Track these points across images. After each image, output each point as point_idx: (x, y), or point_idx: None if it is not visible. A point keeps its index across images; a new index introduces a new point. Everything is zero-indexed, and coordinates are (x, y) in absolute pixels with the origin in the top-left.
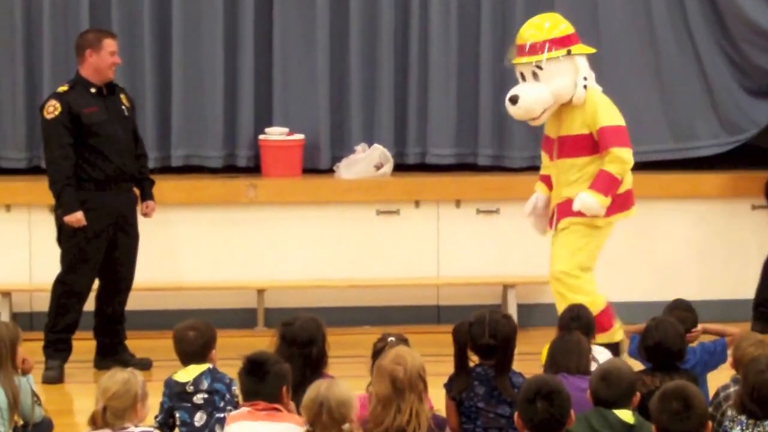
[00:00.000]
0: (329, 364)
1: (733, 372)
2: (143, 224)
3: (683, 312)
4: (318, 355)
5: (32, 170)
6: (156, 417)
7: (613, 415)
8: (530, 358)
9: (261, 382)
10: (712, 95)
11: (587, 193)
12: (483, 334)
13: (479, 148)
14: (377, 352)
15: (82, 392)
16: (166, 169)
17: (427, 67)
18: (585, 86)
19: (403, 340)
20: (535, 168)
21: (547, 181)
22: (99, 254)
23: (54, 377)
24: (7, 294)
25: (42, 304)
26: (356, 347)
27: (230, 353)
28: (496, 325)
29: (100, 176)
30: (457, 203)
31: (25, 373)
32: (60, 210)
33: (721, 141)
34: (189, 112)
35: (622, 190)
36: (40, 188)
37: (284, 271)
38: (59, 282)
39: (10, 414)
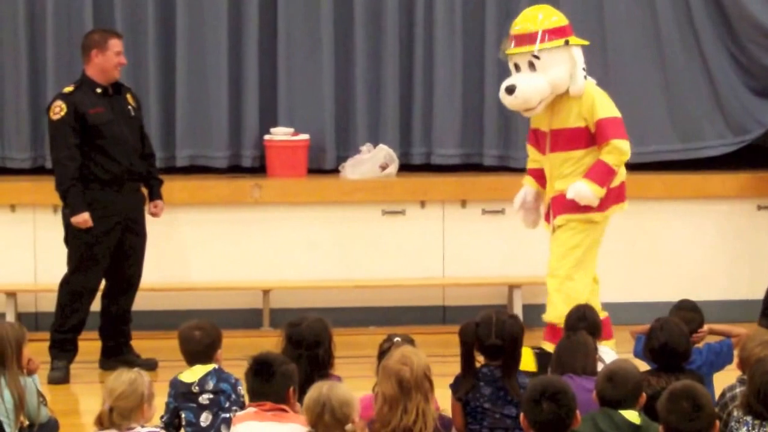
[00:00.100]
0: (335, 364)
1: (739, 372)
2: (148, 224)
3: (689, 312)
4: (324, 356)
5: (37, 170)
6: (161, 417)
7: (619, 416)
8: None
9: (268, 383)
10: (718, 96)
11: (583, 182)
12: (490, 335)
13: (484, 148)
14: (383, 353)
15: (87, 392)
16: (171, 170)
17: (432, 67)
18: (585, 77)
19: (409, 341)
20: None
21: (534, 174)
22: (106, 254)
23: (59, 378)
24: (12, 294)
25: (47, 304)
26: (362, 348)
27: (235, 353)
28: (503, 325)
29: (106, 176)
30: (463, 203)
31: (30, 373)
32: (67, 210)
33: (727, 141)
34: (194, 112)
35: (617, 182)
36: (45, 188)
37: (289, 272)
38: (66, 282)
39: (16, 414)
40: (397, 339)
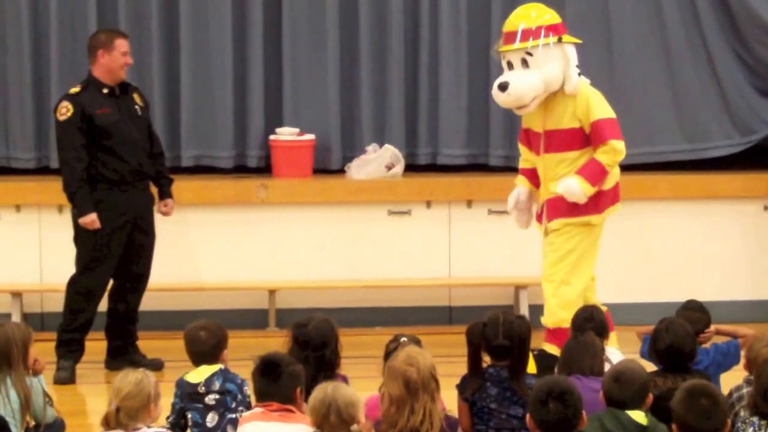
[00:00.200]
0: (341, 364)
1: (745, 373)
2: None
3: (696, 312)
4: (331, 357)
5: (42, 170)
6: (168, 418)
7: (625, 416)
8: None
9: (275, 383)
10: (724, 96)
11: (574, 178)
12: (497, 335)
13: (490, 148)
14: (389, 353)
15: (93, 393)
16: (177, 170)
17: (438, 67)
18: (579, 74)
19: (415, 341)
20: None
21: (527, 174)
22: (115, 254)
23: (65, 378)
24: (17, 294)
25: (53, 304)
26: (368, 348)
27: (242, 354)
28: (510, 326)
29: (114, 176)
30: (469, 203)
31: (36, 373)
32: (75, 211)
33: (734, 142)
34: (199, 112)
35: (611, 183)
36: (50, 188)
37: (295, 272)
38: (74, 282)
39: (22, 415)
40: (403, 339)
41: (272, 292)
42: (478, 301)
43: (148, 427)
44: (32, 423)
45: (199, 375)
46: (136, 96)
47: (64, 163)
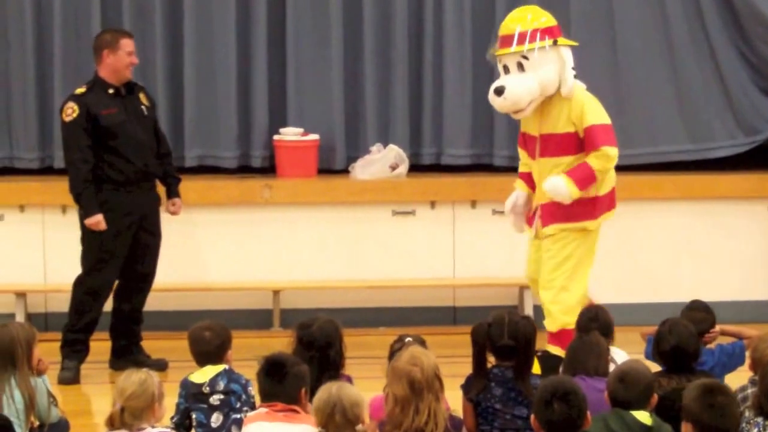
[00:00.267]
0: (345, 365)
1: (750, 374)
2: None
3: (701, 312)
4: (336, 357)
5: (45, 170)
6: (172, 418)
7: (630, 416)
8: None
9: (280, 384)
10: (728, 96)
11: (562, 178)
12: (502, 335)
13: (495, 148)
14: (394, 354)
15: (98, 393)
16: (180, 170)
17: (442, 67)
18: (575, 76)
19: (420, 342)
20: None
21: (526, 178)
22: (120, 255)
23: (69, 378)
24: (22, 294)
25: (57, 304)
26: (372, 348)
27: (246, 354)
28: (516, 326)
29: (120, 177)
30: (473, 204)
31: (40, 373)
32: (81, 212)
33: (738, 142)
34: (203, 112)
35: (607, 189)
36: (54, 188)
37: (300, 272)
38: (80, 282)
39: (26, 415)
40: (408, 339)
41: (276, 293)
42: (483, 302)
43: (153, 427)
44: (36, 423)
45: (203, 375)
46: (142, 96)
47: (69, 164)
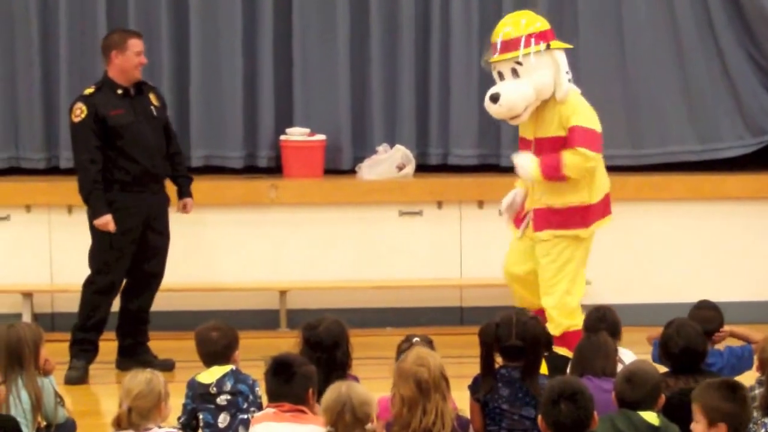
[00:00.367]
0: (352, 365)
1: (757, 374)
2: None
3: (710, 311)
4: (342, 358)
5: (51, 171)
6: (179, 418)
7: (637, 417)
8: None
9: (287, 384)
10: (736, 97)
11: (532, 160)
12: (510, 336)
13: (501, 148)
14: (402, 354)
15: (105, 393)
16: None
17: (449, 67)
18: (569, 80)
19: (427, 342)
20: None
21: None
22: (127, 255)
23: (76, 377)
24: (28, 295)
25: (63, 304)
26: (379, 348)
27: (253, 354)
28: (524, 326)
29: (126, 178)
30: (480, 204)
31: (47, 374)
32: (89, 213)
33: (746, 142)
34: (208, 112)
35: (600, 196)
36: (60, 189)
37: (306, 272)
38: (89, 282)
39: (33, 415)
40: (416, 339)
41: (283, 293)
42: (490, 302)
43: (159, 427)
44: (43, 423)
45: (210, 376)
46: (152, 96)
47: (78, 165)
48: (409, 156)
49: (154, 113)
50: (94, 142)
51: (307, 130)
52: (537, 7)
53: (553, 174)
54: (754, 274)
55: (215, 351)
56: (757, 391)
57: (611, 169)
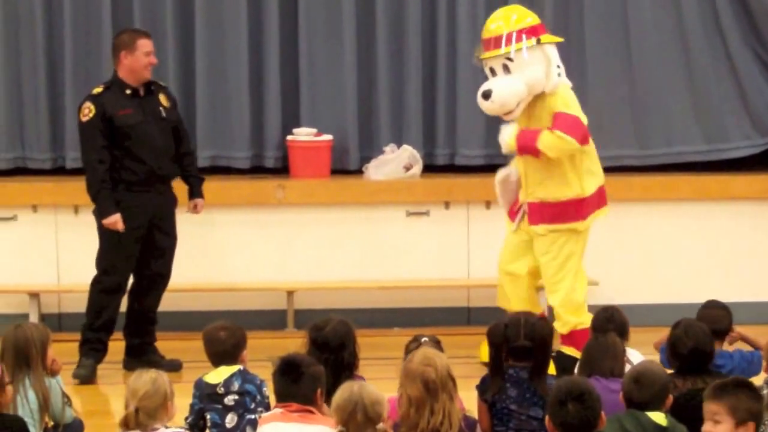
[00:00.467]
0: (359, 365)
1: (765, 375)
2: None
3: (719, 310)
4: (349, 359)
5: (58, 171)
6: (186, 418)
7: (645, 417)
8: None
9: (295, 384)
10: (743, 96)
11: (513, 131)
12: (518, 336)
13: None
14: (410, 354)
15: (113, 393)
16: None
17: (456, 67)
18: (558, 74)
19: (435, 342)
20: None
21: None
22: (132, 254)
23: (84, 375)
24: (35, 295)
25: (70, 305)
26: (386, 349)
27: (260, 355)
28: (532, 327)
29: (132, 178)
30: (487, 204)
31: (54, 374)
32: (97, 212)
33: (753, 142)
34: (215, 112)
35: (592, 188)
36: (66, 189)
37: (314, 273)
38: (96, 282)
39: (40, 415)
40: (425, 339)
41: (290, 293)
42: (497, 302)
43: (166, 427)
44: (51, 423)
45: (218, 376)
46: (162, 96)
47: (86, 164)
48: (416, 156)
49: (163, 114)
50: (101, 141)
51: (314, 131)
52: (543, 8)
53: (526, 144)
54: (761, 274)
55: (223, 351)
56: (765, 392)
57: (618, 169)
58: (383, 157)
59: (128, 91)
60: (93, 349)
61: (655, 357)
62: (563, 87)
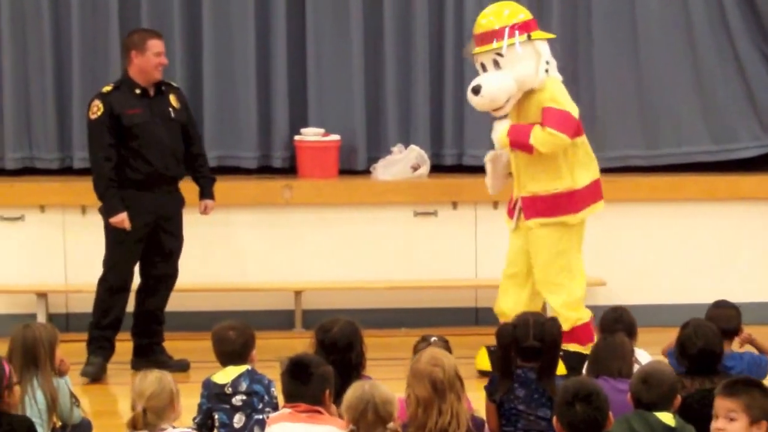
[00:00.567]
0: (367, 366)
1: None
2: None
3: (729, 310)
4: (357, 360)
5: (65, 171)
6: (194, 418)
7: (653, 418)
8: None
9: (304, 385)
10: (751, 97)
11: (506, 126)
12: (527, 336)
13: None
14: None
15: (121, 393)
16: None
17: (463, 67)
18: (546, 70)
19: (444, 342)
20: None
21: None
22: (135, 253)
23: (92, 372)
24: (42, 295)
25: (78, 305)
26: (394, 349)
27: (268, 355)
28: (541, 327)
29: (138, 177)
30: (495, 204)
31: (62, 374)
32: (103, 211)
33: (761, 143)
34: (222, 112)
35: (585, 181)
36: (74, 189)
37: (321, 273)
38: (102, 280)
39: (48, 415)
40: (434, 339)
41: (298, 293)
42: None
43: (173, 427)
44: (59, 424)
45: (226, 375)
46: (172, 97)
47: (93, 162)
48: (424, 156)
49: (172, 115)
50: (108, 139)
51: (322, 131)
52: (551, 8)
53: (518, 140)
54: None
55: (232, 350)
56: None
57: (625, 169)
58: (391, 157)
59: (138, 91)
60: (100, 348)
61: (662, 347)
62: (551, 81)
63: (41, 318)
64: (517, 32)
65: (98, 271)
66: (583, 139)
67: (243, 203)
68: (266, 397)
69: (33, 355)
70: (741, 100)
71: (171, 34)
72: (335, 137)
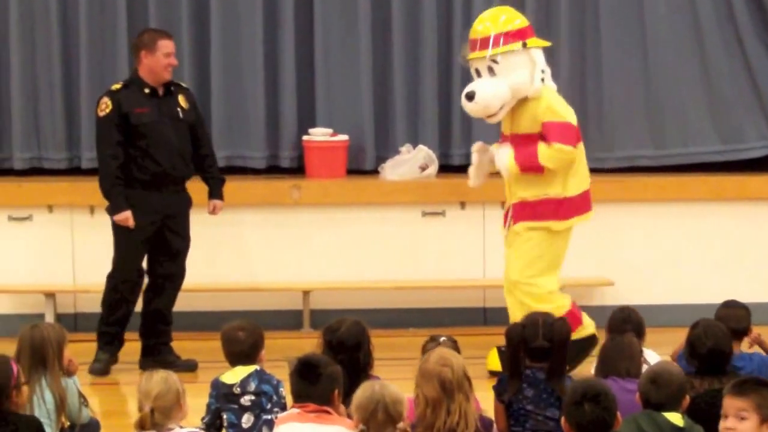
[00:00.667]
0: (375, 366)
1: None
2: None
3: (739, 309)
4: (364, 359)
5: (73, 171)
6: (203, 418)
7: (662, 418)
8: None
9: (313, 385)
10: (759, 96)
11: (509, 152)
12: (536, 336)
13: None
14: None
15: (129, 393)
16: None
17: None
18: (542, 79)
19: (452, 342)
20: None
21: None
22: (139, 252)
23: (99, 369)
24: (51, 295)
25: (86, 304)
26: (402, 349)
27: (276, 355)
28: (550, 327)
29: (144, 177)
30: (503, 204)
31: (70, 374)
32: (108, 208)
33: None
34: (230, 112)
35: (577, 190)
36: (82, 189)
37: (329, 273)
38: (110, 277)
39: (57, 415)
40: (443, 339)
41: (306, 293)
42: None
43: (180, 427)
44: (67, 424)
45: (234, 376)
46: (181, 98)
47: (100, 160)
48: (432, 156)
49: (180, 115)
50: (116, 137)
51: (330, 131)
52: (559, 8)
53: (528, 164)
54: None
55: (241, 350)
56: None
57: (633, 169)
58: (399, 157)
59: (147, 90)
60: (108, 343)
61: (670, 347)
62: (547, 91)
63: (49, 318)
64: (511, 40)
65: (106, 270)
66: (580, 147)
67: (251, 203)
68: (275, 398)
69: (41, 355)
70: (749, 100)
71: (179, 34)
72: (343, 137)
